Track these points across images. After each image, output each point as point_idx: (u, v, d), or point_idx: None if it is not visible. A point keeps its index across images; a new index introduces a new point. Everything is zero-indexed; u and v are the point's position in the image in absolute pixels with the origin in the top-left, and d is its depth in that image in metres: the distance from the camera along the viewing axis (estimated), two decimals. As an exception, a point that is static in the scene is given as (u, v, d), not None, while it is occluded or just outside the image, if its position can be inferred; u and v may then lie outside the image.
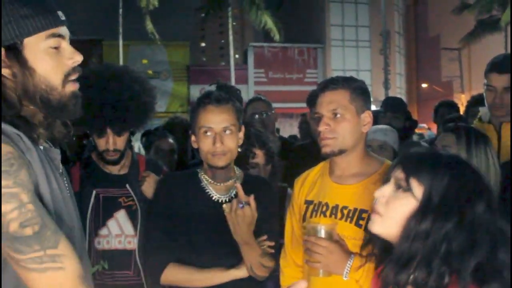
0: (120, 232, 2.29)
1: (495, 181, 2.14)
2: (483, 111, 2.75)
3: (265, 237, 1.94)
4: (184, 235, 1.98)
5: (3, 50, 1.22)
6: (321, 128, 1.85)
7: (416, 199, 1.27)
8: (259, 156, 2.47)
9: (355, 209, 1.83)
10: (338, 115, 1.84)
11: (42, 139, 1.30)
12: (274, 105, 3.71)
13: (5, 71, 1.23)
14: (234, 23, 35.24)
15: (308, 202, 1.98)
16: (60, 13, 1.28)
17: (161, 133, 3.69)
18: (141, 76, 2.39)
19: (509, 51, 18.17)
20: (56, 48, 1.26)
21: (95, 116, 2.15)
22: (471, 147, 2.17)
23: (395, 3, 29.08)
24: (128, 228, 2.30)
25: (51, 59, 1.26)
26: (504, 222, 1.27)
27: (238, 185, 1.91)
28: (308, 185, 2.02)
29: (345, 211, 1.85)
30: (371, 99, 1.98)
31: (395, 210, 1.31)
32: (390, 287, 1.28)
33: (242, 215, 1.84)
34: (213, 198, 2.02)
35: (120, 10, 23.31)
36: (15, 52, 1.22)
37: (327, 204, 1.90)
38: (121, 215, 2.30)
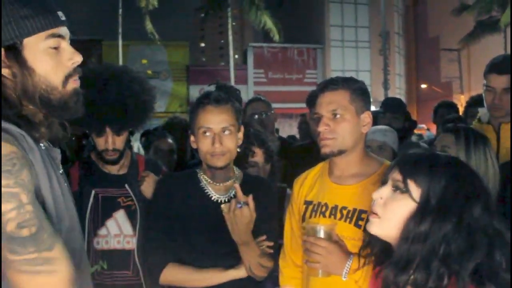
0: (119, 232, 2.29)
1: (494, 182, 2.14)
2: (482, 111, 2.75)
3: (264, 237, 1.94)
4: (183, 235, 1.98)
5: (3, 50, 1.22)
6: (321, 128, 1.85)
7: (413, 201, 1.28)
8: (258, 155, 2.48)
9: (354, 210, 1.83)
10: (338, 116, 1.84)
11: (43, 138, 1.30)
12: (274, 105, 3.71)
13: (5, 71, 1.23)
14: (233, 23, 35.22)
15: (308, 203, 1.98)
16: (60, 13, 1.28)
17: (160, 133, 3.69)
18: (140, 76, 2.39)
19: (508, 52, 18.18)
20: (56, 48, 1.27)
21: (94, 115, 2.15)
22: (470, 148, 2.17)
23: (394, 4, 29.10)
24: (127, 228, 2.30)
25: (51, 59, 1.26)
26: (502, 224, 1.27)
27: (237, 185, 1.91)
28: (308, 185, 2.02)
29: (344, 212, 1.85)
30: (371, 100, 1.98)
31: (392, 212, 1.31)
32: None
33: (240, 215, 1.84)
34: (212, 198, 2.02)
35: (120, 10, 23.33)
36: (15, 52, 1.23)
37: (326, 205, 1.90)
38: (120, 215, 2.30)
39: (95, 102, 2.14)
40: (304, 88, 21.87)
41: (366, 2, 28.44)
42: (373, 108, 2.15)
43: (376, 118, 3.33)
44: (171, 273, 1.95)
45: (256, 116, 3.43)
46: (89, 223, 2.25)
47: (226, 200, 2.01)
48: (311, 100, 3.07)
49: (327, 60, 27.09)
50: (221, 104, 1.98)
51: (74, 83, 1.30)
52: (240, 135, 2.05)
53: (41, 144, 1.29)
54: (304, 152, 3.37)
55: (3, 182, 1.11)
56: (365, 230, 1.45)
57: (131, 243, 2.28)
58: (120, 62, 20.11)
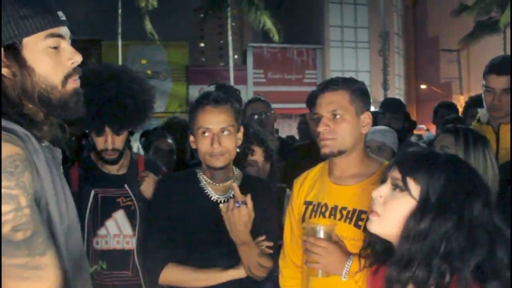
0: (118, 232, 2.29)
1: (493, 182, 2.14)
2: (481, 112, 2.75)
3: (263, 237, 1.94)
4: (183, 235, 1.98)
5: (3, 49, 1.23)
6: (321, 128, 1.85)
7: (413, 199, 1.27)
8: (258, 154, 2.48)
9: (354, 210, 1.83)
10: (338, 116, 1.84)
11: (45, 138, 1.30)
12: (273, 105, 3.71)
13: (5, 71, 1.24)
14: (233, 24, 35.24)
15: (307, 203, 1.98)
16: (60, 13, 1.28)
17: (160, 133, 3.69)
18: (140, 76, 2.39)
19: (508, 52, 18.18)
20: (55, 48, 1.27)
21: (93, 114, 2.15)
22: (469, 149, 2.17)
23: (394, 4, 29.10)
24: (127, 228, 2.30)
25: (50, 59, 1.26)
26: (502, 221, 1.27)
27: (235, 184, 1.92)
28: (308, 185, 2.02)
29: (344, 212, 1.85)
30: (371, 100, 1.98)
31: (392, 210, 1.31)
32: (395, 285, 1.28)
33: (238, 215, 1.84)
34: (212, 199, 2.02)
35: (119, 10, 23.31)
36: (14, 52, 1.23)
37: (326, 205, 1.90)
38: (119, 215, 2.30)
39: (95, 102, 2.14)
40: (304, 89, 21.88)
41: (366, 3, 28.44)
42: (372, 108, 2.15)
43: (376, 119, 3.32)
44: (170, 273, 1.95)
45: (256, 117, 3.43)
46: (89, 223, 2.25)
47: (226, 200, 2.00)
48: (311, 100, 3.07)
49: (326, 61, 27.10)
50: (220, 105, 1.98)
51: (74, 83, 1.30)
52: (240, 135, 2.05)
53: (44, 144, 1.29)
54: (303, 153, 3.37)
55: (3, 183, 1.10)
56: (365, 230, 1.45)
57: (130, 243, 2.28)
58: (120, 62, 20.09)
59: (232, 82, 19.12)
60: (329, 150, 1.85)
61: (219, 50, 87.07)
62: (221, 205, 1.92)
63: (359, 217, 1.81)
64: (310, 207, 1.96)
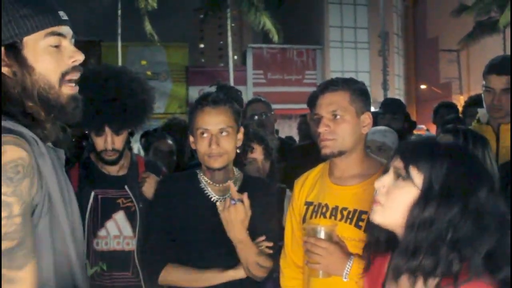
0: (118, 233, 2.29)
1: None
2: (481, 112, 2.75)
3: (263, 237, 1.94)
4: (183, 236, 1.98)
5: (3, 48, 1.23)
6: (321, 129, 1.85)
7: (416, 187, 1.26)
8: (258, 151, 2.48)
9: (355, 211, 1.84)
10: (338, 117, 1.85)
11: (49, 138, 1.31)
12: (273, 106, 3.71)
13: (6, 70, 1.24)
14: (233, 24, 35.26)
15: (308, 203, 1.98)
16: (61, 13, 1.29)
17: (160, 134, 3.69)
18: (139, 76, 2.39)
19: (507, 52, 18.19)
20: (56, 47, 1.27)
21: (93, 114, 2.15)
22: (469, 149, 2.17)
23: (394, 5, 29.11)
24: (127, 229, 2.29)
25: (51, 58, 1.26)
26: (508, 208, 1.25)
27: (231, 182, 1.92)
28: (308, 186, 2.03)
29: (345, 212, 1.85)
30: (371, 101, 1.98)
31: (396, 199, 1.30)
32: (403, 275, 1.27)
33: (234, 212, 1.84)
34: (212, 199, 2.02)
35: (119, 11, 23.30)
36: (15, 51, 1.24)
37: (327, 205, 1.91)
38: (119, 216, 2.30)
39: (94, 101, 2.14)
40: (304, 89, 21.91)
41: (365, 3, 28.45)
42: (372, 109, 2.15)
43: (376, 119, 3.33)
44: (170, 273, 1.95)
45: (256, 117, 3.43)
46: (89, 224, 2.25)
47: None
48: (312, 101, 3.07)
49: (326, 61, 27.10)
50: (219, 105, 1.98)
51: (71, 89, 1.30)
52: (240, 136, 2.06)
53: (48, 144, 1.29)
54: (304, 153, 3.37)
55: (2, 189, 1.10)
56: (365, 230, 1.45)
57: (130, 244, 2.28)
58: (119, 63, 20.11)
59: (232, 83, 19.11)
60: (329, 151, 1.86)
61: (218, 51, 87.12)
62: (217, 203, 1.92)
63: (360, 218, 1.81)
64: (311, 208, 1.96)
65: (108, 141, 2.25)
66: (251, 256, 1.90)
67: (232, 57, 24.05)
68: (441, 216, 1.21)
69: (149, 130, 3.87)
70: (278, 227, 2.12)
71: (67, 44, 1.29)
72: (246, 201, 1.86)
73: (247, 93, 21.38)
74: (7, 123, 1.18)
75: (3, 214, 1.10)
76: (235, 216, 1.84)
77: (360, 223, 1.80)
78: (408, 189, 1.28)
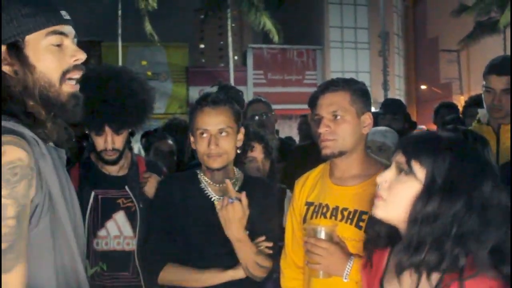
0: (118, 233, 2.29)
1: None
2: (481, 112, 2.75)
3: (263, 238, 1.94)
4: (183, 236, 1.98)
5: (5, 47, 1.24)
6: (321, 130, 1.85)
7: (419, 182, 1.26)
8: (257, 150, 2.48)
9: (355, 211, 1.84)
10: (338, 117, 1.85)
11: (50, 138, 1.31)
12: (273, 106, 3.71)
13: (7, 68, 1.25)
14: (233, 25, 35.26)
15: (309, 204, 1.98)
16: (64, 12, 1.30)
17: (160, 135, 3.70)
18: (139, 76, 2.40)
19: (508, 53, 18.18)
20: (58, 45, 1.28)
21: (93, 113, 2.15)
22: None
23: (394, 5, 29.11)
24: (127, 229, 2.29)
25: (53, 56, 1.27)
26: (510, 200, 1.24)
27: (228, 180, 1.92)
28: (309, 186, 2.03)
29: (345, 213, 1.85)
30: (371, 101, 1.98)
31: (398, 194, 1.29)
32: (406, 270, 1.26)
33: (232, 211, 1.84)
34: (212, 199, 2.03)
35: (119, 12, 23.31)
36: (17, 50, 1.24)
37: (327, 206, 1.91)
38: (120, 217, 2.30)
39: (94, 101, 2.14)
40: (304, 89, 21.92)
41: (366, 3, 28.44)
42: (372, 109, 2.15)
43: (376, 119, 3.33)
44: (169, 273, 1.96)
45: (257, 118, 3.43)
46: (89, 224, 2.25)
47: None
48: (313, 101, 3.07)
49: (326, 61, 27.09)
50: (218, 106, 1.99)
51: (71, 87, 1.30)
52: (240, 136, 2.06)
53: (49, 144, 1.29)
54: (304, 153, 3.37)
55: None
56: (365, 230, 1.45)
57: (131, 245, 2.28)
58: (120, 63, 20.09)
59: (232, 83, 19.10)
60: (330, 151, 1.86)
61: (219, 51, 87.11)
62: (216, 202, 1.93)
63: (360, 218, 1.81)
64: (312, 208, 1.96)
65: (108, 140, 2.25)
66: (249, 256, 1.90)
67: (232, 57, 24.06)
68: (446, 210, 1.20)
69: (149, 131, 3.88)
70: (278, 228, 2.12)
71: (69, 43, 1.30)
72: (244, 199, 1.86)
73: (248, 94, 21.36)
74: (8, 123, 1.19)
75: None
76: (233, 214, 1.85)
77: (361, 224, 1.80)
78: (410, 184, 1.27)
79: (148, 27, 22.48)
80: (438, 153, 1.25)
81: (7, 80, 1.25)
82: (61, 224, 1.24)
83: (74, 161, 2.48)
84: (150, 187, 2.27)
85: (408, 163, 1.27)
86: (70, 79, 1.30)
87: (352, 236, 1.80)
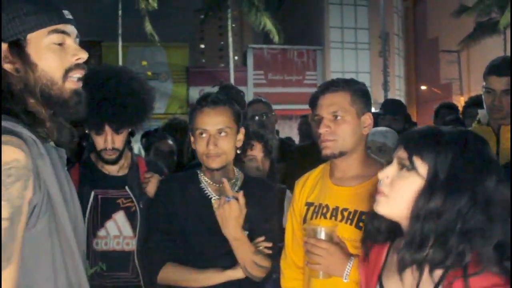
0: (118, 233, 2.29)
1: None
2: (481, 113, 2.75)
3: (262, 238, 1.94)
4: (183, 236, 1.98)
5: (6, 46, 1.24)
6: (322, 130, 1.85)
7: (421, 178, 1.24)
8: (257, 149, 2.48)
9: (356, 211, 1.83)
10: (339, 117, 1.85)
11: (50, 137, 1.31)
12: (273, 106, 3.72)
13: (9, 67, 1.25)
14: (233, 25, 35.29)
15: (309, 204, 1.98)
16: (66, 12, 1.30)
17: (160, 135, 3.70)
18: (139, 76, 2.40)
19: (508, 53, 18.18)
20: (60, 44, 1.28)
21: (93, 113, 2.15)
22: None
23: (394, 5, 29.11)
24: (127, 229, 2.29)
25: (54, 55, 1.27)
26: None
27: (224, 179, 1.93)
28: (309, 187, 2.03)
29: (345, 213, 1.85)
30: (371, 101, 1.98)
31: (400, 190, 1.28)
32: (408, 267, 1.25)
33: (229, 209, 1.85)
34: (212, 199, 2.03)
35: (119, 12, 23.32)
36: (18, 48, 1.25)
37: (327, 206, 1.90)
38: (119, 217, 2.30)
39: (94, 100, 2.14)
40: (304, 90, 21.92)
41: (366, 4, 28.45)
42: (372, 109, 2.15)
43: (376, 120, 3.33)
44: (169, 272, 1.95)
45: (257, 118, 3.43)
46: (89, 224, 2.25)
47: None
48: (313, 101, 3.07)
49: (326, 62, 27.10)
50: (218, 106, 1.99)
51: (74, 84, 1.31)
52: (240, 136, 2.06)
53: (49, 143, 1.29)
54: (304, 154, 3.37)
55: None
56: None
57: (130, 245, 2.28)
58: (120, 63, 20.09)
59: (232, 83, 19.11)
60: (330, 152, 1.86)
61: (219, 51, 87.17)
62: (213, 201, 1.93)
63: (360, 218, 1.81)
64: (312, 208, 1.96)
65: (108, 140, 2.25)
66: (247, 255, 1.90)
67: (232, 57, 24.08)
68: (449, 206, 1.18)
69: (149, 130, 3.88)
70: (278, 228, 2.12)
71: (71, 42, 1.30)
72: (241, 198, 1.86)
73: (248, 94, 21.36)
74: (7, 123, 1.18)
75: None
76: (229, 213, 1.85)
77: (361, 224, 1.80)
78: (412, 180, 1.25)
79: (148, 27, 22.49)
80: (440, 149, 1.23)
81: (8, 78, 1.25)
82: (61, 224, 1.24)
83: (74, 161, 2.47)
84: (152, 187, 2.27)
85: (410, 158, 1.26)
86: (72, 77, 1.30)
87: (352, 237, 1.80)
